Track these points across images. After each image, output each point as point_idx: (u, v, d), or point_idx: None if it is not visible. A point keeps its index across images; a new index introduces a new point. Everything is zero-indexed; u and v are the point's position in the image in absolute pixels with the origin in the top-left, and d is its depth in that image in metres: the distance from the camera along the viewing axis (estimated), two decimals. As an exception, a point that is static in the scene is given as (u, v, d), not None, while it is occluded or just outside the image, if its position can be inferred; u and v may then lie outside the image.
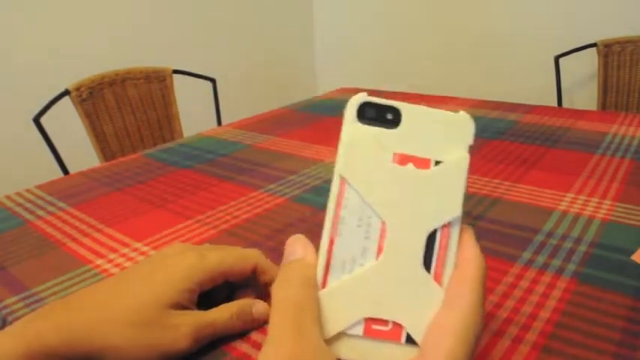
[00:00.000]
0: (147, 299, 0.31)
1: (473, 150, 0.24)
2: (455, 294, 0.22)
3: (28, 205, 0.60)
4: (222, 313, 0.33)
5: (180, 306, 0.31)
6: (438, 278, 0.23)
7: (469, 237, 0.24)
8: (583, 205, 0.53)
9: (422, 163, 0.24)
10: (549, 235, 0.47)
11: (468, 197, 0.56)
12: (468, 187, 0.59)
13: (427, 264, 0.23)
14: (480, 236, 0.48)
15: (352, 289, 0.23)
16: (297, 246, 0.25)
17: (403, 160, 0.24)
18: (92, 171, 0.70)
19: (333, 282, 0.23)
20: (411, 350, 0.22)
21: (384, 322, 0.23)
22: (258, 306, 0.35)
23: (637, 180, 0.59)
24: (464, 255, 0.23)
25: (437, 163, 0.24)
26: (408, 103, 0.25)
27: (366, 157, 0.24)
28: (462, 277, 0.22)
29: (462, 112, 0.24)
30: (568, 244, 0.46)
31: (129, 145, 1.36)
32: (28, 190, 0.64)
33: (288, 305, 0.22)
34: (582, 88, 1.93)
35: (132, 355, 0.29)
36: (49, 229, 0.52)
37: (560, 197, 0.55)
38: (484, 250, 0.45)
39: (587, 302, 0.37)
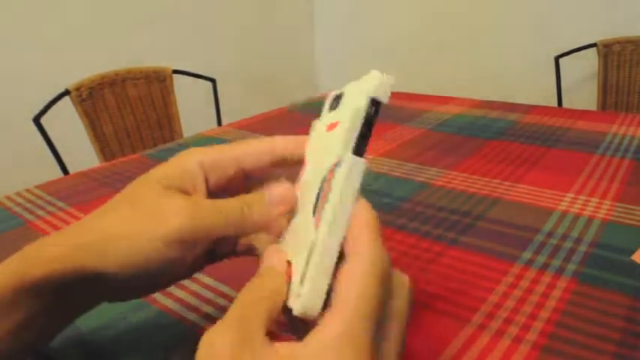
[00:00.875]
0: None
1: (380, 101, 0.25)
2: (352, 247, 0.23)
3: (28, 205, 0.60)
4: (231, 202, 0.27)
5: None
6: (317, 220, 0.23)
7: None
8: (583, 205, 0.53)
9: (337, 125, 0.26)
10: (549, 235, 0.47)
11: (468, 197, 0.56)
12: (468, 186, 0.59)
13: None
14: (480, 236, 0.48)
15: (288, 237, 0.26)
16: (274, 256, 0.25)
17: (329, 127, 0.26)
18: (92, 171, 0.70)
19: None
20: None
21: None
22: (278, 190, 0.27)
23: (637, 180, 0.59)
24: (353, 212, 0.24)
25: None
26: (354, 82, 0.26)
27: (314, 137, 0.28)
28: (355, 231, 0.23)
29: (372, 71, 0.25)
30: (568, 244, 0.46)
31: (129, 145, 1.36)
32: (28, 190, 0.64)
33: (238, 311, 0.21)
34: (582, 88, 1.93)
35: (121, 250, 0.25)
36: (49, 229, 0.52)
37: (560, 197, 0.55)
38: (484, 250, 0.45)
39: (587, 302, 0.37)
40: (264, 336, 0.20)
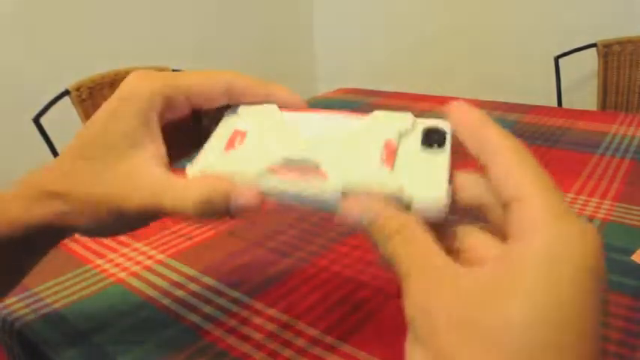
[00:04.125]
0: (93, 135, 0.27)
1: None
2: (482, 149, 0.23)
3: (28, 205, 0.59)
4: (185, 200, 0.25)
5: (138, 142, 0.26)
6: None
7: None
8: (583, 205, 0.53)
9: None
10: (549, 235, 0.47)
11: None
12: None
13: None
14: (480, 236, 0.48)
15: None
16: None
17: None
18: (92, 171, 0.70)
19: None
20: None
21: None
22: (240, 197, 0.24)
23: (637, 180, 0.59)
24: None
25: None
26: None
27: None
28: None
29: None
30: (568, 244, 0.45)
31: (129, 145, 1.36)
32: (28, 190, 0.64)
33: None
34: (582, 88, 1.93)
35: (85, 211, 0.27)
36: (49, 229, 0.52)
37: (560, 197, 0.55)
38: (484, 250, 0.45)
39: (587, 302, 0.37)
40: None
